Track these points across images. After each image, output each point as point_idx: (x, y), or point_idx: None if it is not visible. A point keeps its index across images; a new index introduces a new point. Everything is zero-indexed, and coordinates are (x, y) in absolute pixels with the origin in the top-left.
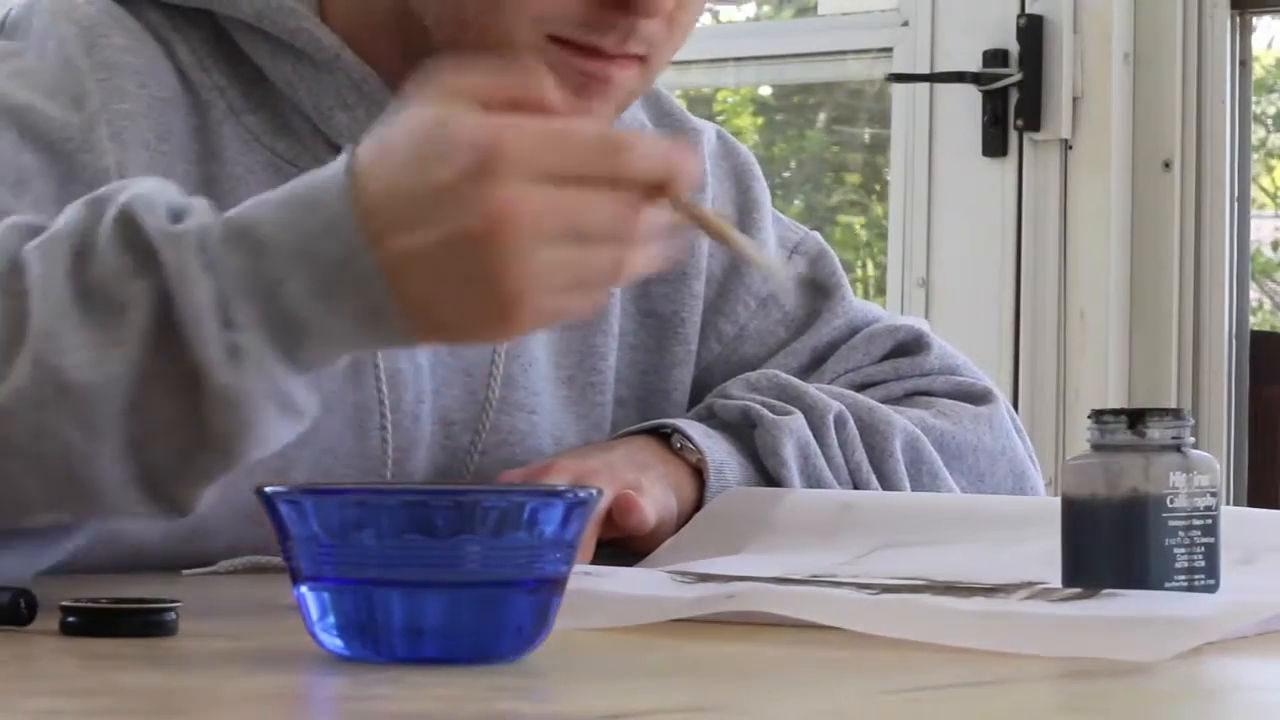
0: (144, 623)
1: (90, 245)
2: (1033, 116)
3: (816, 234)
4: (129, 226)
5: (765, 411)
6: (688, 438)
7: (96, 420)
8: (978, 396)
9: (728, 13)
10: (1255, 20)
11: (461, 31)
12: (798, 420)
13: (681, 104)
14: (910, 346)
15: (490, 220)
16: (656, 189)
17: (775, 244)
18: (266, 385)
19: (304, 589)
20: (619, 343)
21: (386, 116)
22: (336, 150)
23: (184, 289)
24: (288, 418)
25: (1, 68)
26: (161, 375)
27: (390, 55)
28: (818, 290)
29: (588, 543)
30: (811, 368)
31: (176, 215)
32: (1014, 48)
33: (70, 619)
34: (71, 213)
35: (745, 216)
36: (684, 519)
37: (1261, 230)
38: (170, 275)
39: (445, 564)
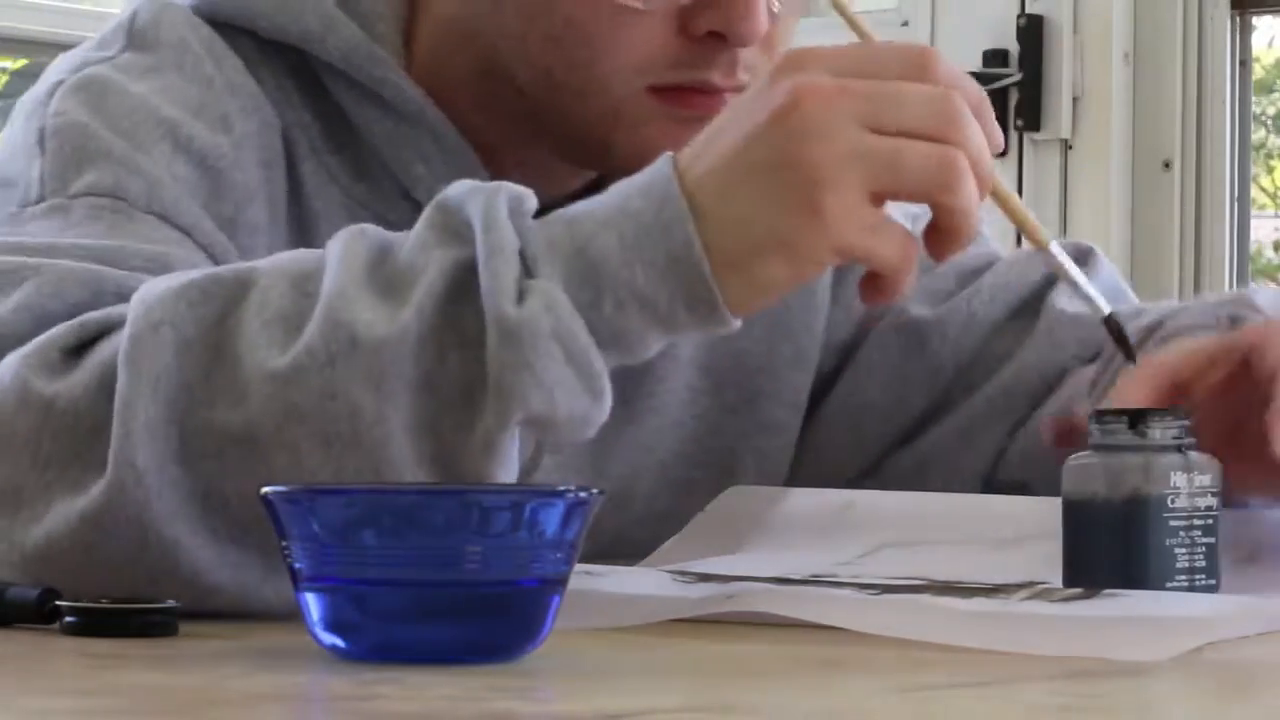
0: (144, 623)
1: (393, 239)
2: (1033, 116)
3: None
4: (442, 209)
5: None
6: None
7: (386, 376)
8: None
9: None
10: (1255, 20)
11: (556, 94)
12: None
13: None
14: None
15: (785, 101)
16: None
17: (894, 208)
18: (552, 322)
19: (304, 589)
20: (732, 344)
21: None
22: (411, 200)
23: (488, 242)
24: (579, 378)
25: (144, 83)
26: (452, 326)
27: (470, 111)
28: None
29: None
30: (958, 289)
31: (491, 199)
32: (1014, 48)
33: (70, 619)
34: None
35: None
36: None
37: (1261, 230)
38: (477, 237)
39: (445, 564)
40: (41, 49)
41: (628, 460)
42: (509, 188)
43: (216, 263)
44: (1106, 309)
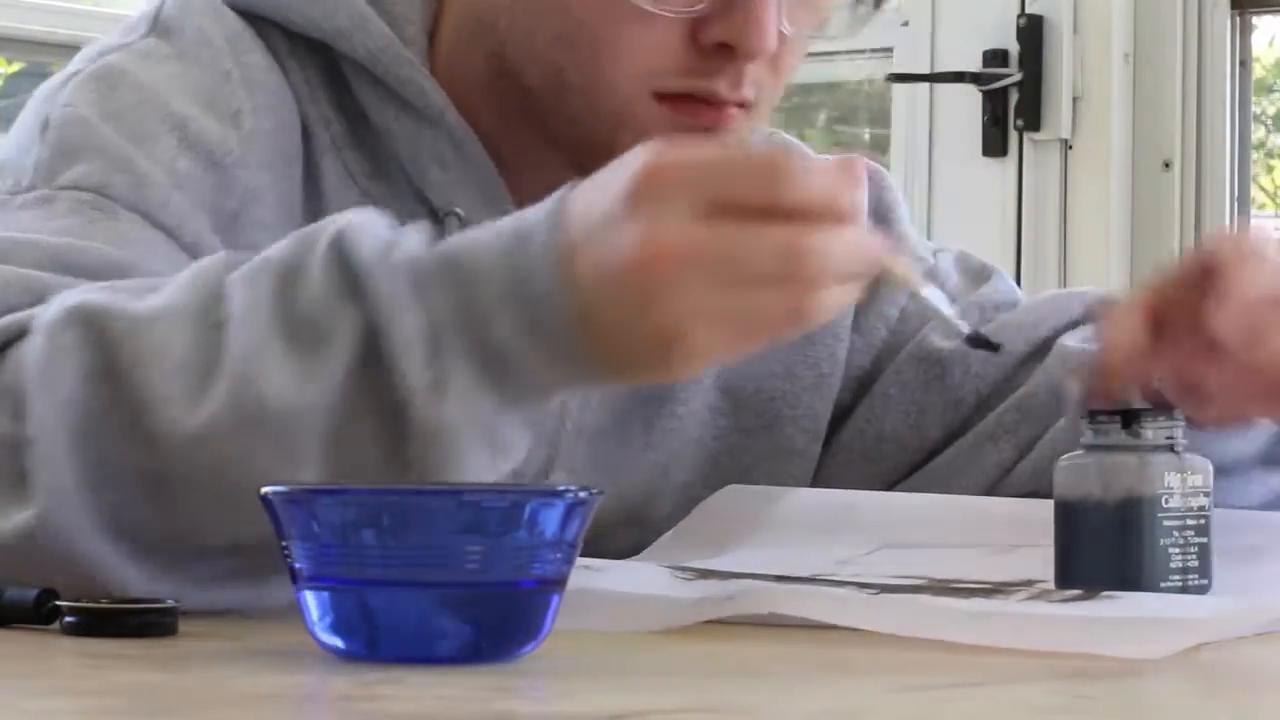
0: (144, 623)
1: (298, 272)
2: (1033, 116)
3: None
4: (341, 253)
5: None
6: None
7: (297, 448)
8: None
9: None
10: (1255, 20)
11: (563, 94)
12: None
13: None
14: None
15: (641, 250)
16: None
17: (917, 239)
18: (473, 417)
19: (304, 589)
20: (754, 367)
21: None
22: (427, 204)
23: (393, 319)
24: (495, 454)
25: (161, 71)
26: (365, 408)
27: (483, 111)
28: (972, 278)
29: None
30: (982, 322)
31: (390, 245)
32: (1014, 48)
33: (70, 619)
34: (282, 244)
35: (884, 217)
36: None
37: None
38: (380, 304)
39: (445, 564)
40: (41, 49)
41: (645, 480)
42: (404, 245)
43: None
44: (965, 330)
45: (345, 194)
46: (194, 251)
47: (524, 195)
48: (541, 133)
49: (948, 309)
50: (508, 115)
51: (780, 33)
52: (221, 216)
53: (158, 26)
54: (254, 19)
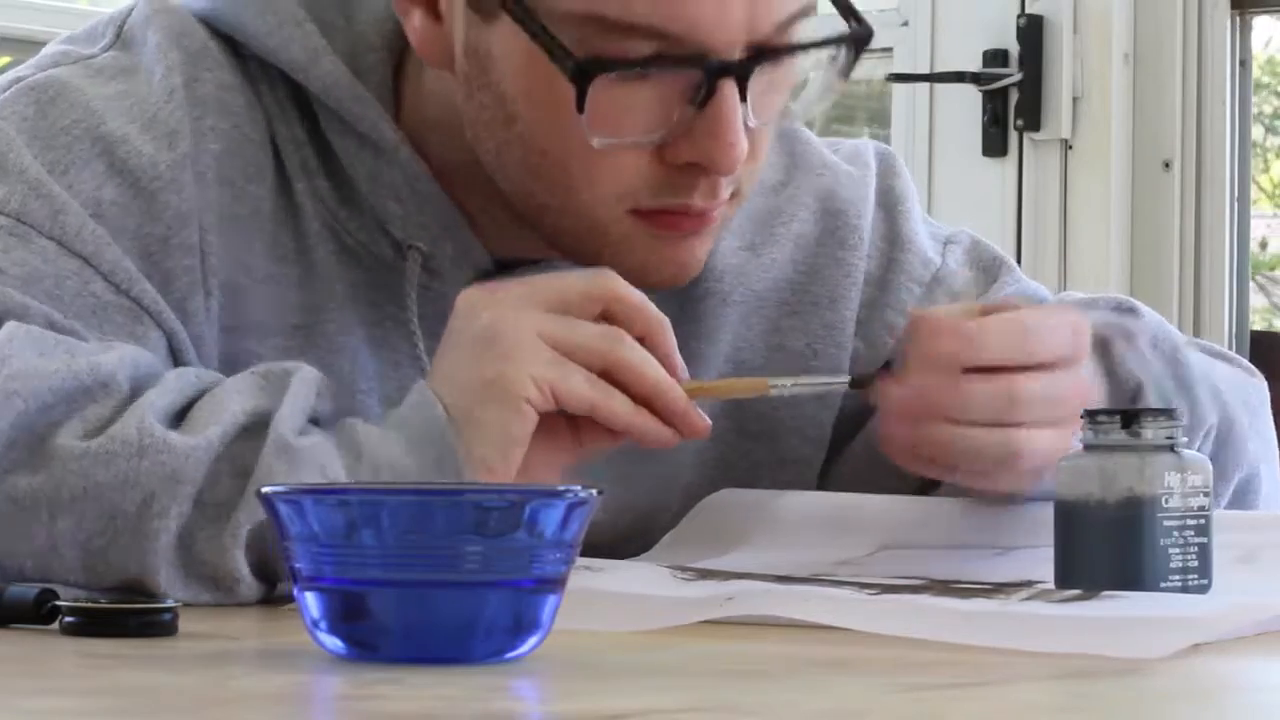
0: (144, 623)
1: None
2: (1033, 116)
3: (967, 229)
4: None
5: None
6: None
7: (182, 478)
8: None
9: None
10: (1255, 20)
11: (541, 212)
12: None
13: None
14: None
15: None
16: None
17: (925, 237)
18: (325, 447)
19: (304, 589)
20: (758, 374)
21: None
22: (389, 236)
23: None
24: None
25: (106, 89)
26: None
27: (458, 190)
28: (983, 272)
29: None
30: None
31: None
32: (1014, 48)
33: (70, 619)
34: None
35: (891, 211)
36: None
37: (1255, 229)
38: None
39: (445, 564)
40: (39, 49)
41: (651, 490)
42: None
43: (116, 289)
44: (845, 381)
45: (319, 220)
46: (110, 279)
47: (490, 238)
48: (523, 222)
49: (820, 378)
50: (486, 197)
51: (747, 127)
52: (150, 241)
53: (121, 36)
54: (227, 38)
